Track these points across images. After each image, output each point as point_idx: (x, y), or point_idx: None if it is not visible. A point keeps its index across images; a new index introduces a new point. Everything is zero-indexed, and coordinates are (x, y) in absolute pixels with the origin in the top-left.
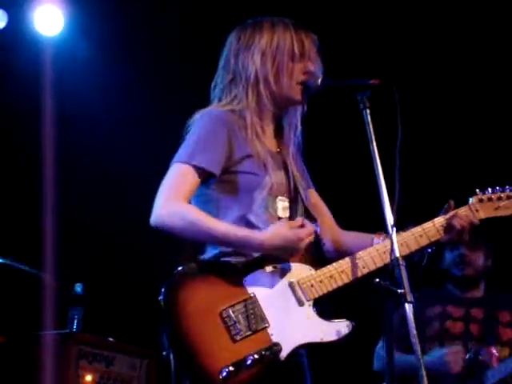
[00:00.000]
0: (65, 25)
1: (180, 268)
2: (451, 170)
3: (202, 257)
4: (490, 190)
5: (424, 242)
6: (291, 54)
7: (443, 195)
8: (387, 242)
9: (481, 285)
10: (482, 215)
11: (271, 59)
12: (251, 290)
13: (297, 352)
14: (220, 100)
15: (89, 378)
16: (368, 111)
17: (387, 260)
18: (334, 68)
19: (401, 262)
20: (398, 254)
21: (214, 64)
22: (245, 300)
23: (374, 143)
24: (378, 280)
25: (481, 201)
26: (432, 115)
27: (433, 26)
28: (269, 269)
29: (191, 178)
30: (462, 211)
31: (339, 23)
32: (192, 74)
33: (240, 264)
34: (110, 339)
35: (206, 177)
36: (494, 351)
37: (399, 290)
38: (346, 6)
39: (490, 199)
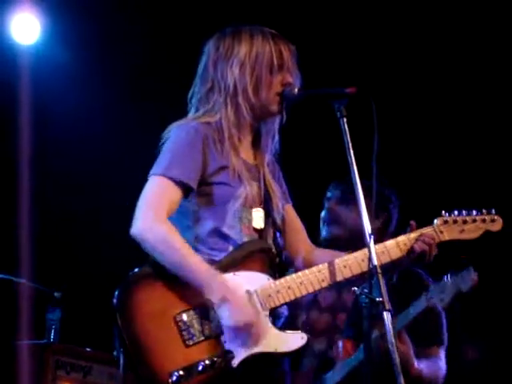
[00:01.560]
0: (41, 33)
1: (135, 270)
2: (425, 181)
3: None
4: (456, 212)
5: (385, 259)
6: (270, 65)
7: (415, 209)
8: (347, 256)
9: None
10: (446, 237)
11: (250, 71)
12: (207, 296)
13: (254, 362)
14: (197, 110)
15: None
16: (345, 120)
17: (348, 275)
18: (311, 77)
19: (379, 270)
20: (375, 263)
21: (190, 72)
22: (200, 305)
23: (352, 152)
24: (356, 289)
25: (446, 222)
26: (408, 124)
27: (409, 34)
28: (228, 276)
29: (171, 191)
30: (427, 232)
31: (317, 32)
32: (168, 82)
33: None
34: (88, 349)
35: (184, 190)
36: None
37: (378, 299)
38: (324, 15)
39: (455, 221)
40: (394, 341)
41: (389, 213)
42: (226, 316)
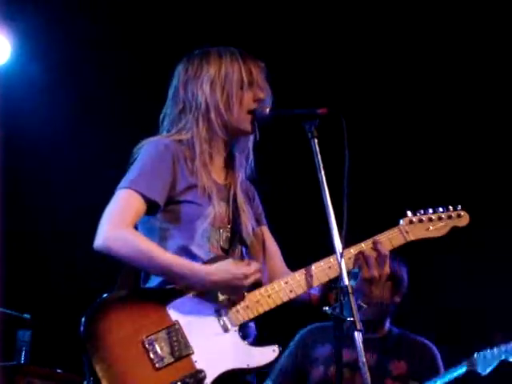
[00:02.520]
0: (12, 53)
1: (101, 297)
2: (394, 194)
3: (144, 286)
4: (421, 211)
5: (333, 274)
6: (240, 82)
7: (381, 210)
8: (314, 266)
9: (383, 325)
10: (412, 237)
11: (220, 88)
12: (175, 316)
13: (232, 377)
14: (169, 131)
15: None
16: (316, 140)
17: (315, 283)
18: (282, 96)
19: (350, 290)
20: (346, 282)
21: (161, 91)
22: (168, 327)
23: (323, 172)
24: (327, 308)
25: (411, 222)
26: (376, 140)
27: (379, 51)
28: (194, 294)
29: (136, 204)
30: (381, 238)
31: (286, 51)
32: (139, 95)
33: (165, 290)
34: (58, 371)
35: (150, 205)
36: None
37: (349, 318)
38: (291, 33)
39: (420, 221)
40: (364, 360)
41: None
42: (215, 281)
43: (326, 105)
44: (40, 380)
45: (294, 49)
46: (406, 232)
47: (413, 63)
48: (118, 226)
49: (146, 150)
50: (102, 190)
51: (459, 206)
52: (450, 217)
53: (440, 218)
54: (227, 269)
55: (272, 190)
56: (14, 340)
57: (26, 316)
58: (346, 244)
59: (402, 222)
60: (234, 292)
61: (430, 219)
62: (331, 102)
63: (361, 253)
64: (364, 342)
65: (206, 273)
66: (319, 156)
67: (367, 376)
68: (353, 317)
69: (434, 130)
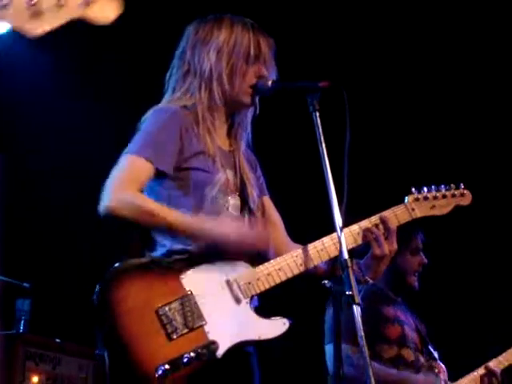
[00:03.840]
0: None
1: (114, 266)
2: (397, 171)
3: (150, 254)
4: (425, 188)
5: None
6: (246, 55)
7: (384, 188)
8: (325, 239)
9: None
10: (419, 214)
11: (227, 58)
12: (188, 287)
13: (239, 349)
14: (174, 90)
15: (35, 379)
16: (317, 114)
17: (325, 258)
18: (286, 70)
19: (349, 263)
20: (346, 256)
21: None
22: (181, 297)
23: (324, 145)
24: (326, 282)
25: (417, 200)
26: (379, 116)
27: (383, 28)
28: (207, 266)
29: (143, 169)
30: (388, 214)
31: (291, 25)
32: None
33: (178, 261)
34: (57, 340)
35: (156, 173)
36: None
37: (348, 292)
38: (297, 8)
39: (425, 198)
40: (362, 334)
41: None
42: (228, 236)
43: (328, 78)
44: (38, 349)
45: (299, 23)
46: (412, 209)
47: (419, 39)
48: (125, 189)
49: (154, 117)
50: (101, 160)
51: (462, 185)
52: (453, 195)
53: (444, 196)
54: (242, 228)
55: (273, 163)
56: (13, 309)
57: (26, 285)
58: (350, 220)
59: (407, 199)
60: (245, 253)
61: (435, 197)
62: (335, 76)
63: (369, 230)
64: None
65: (218, 231)
66: (320, 129)
67: (365, 349)
68: (351, 291)
69: (438, 106)
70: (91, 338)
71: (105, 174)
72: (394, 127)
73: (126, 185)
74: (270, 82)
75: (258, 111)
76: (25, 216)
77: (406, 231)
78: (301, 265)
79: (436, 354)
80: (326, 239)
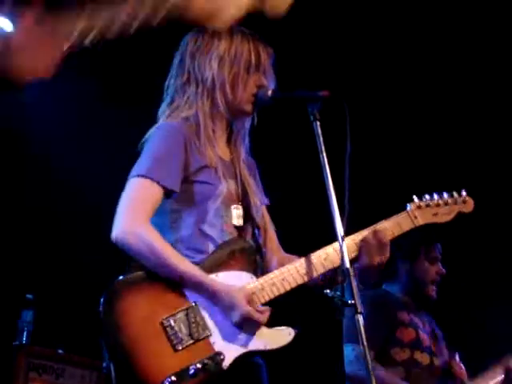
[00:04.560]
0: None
1: (119, 278)
2: (398, 178)
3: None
4: (427, 196)
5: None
6: (247, 64)
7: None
8: (328, 249)
9: None
10: (421, 221)
11: (229, 67)
12: (192, 298)
13: (246, 360)
14: (173, 100)
15: None
16: (318, 123)
17: (329, 266)
18: (287, 79)
19: (351, 272)
20: (348, 265)
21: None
22: (186, 309)
23: (324, 154)
24: (328, 291)
25: (419, 207)
26: (379, 124)
27: (382, 35)
28: (211, 277)
29: (154, 193)
30: (390, 222)
31: (292, 34)
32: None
33: None
34: (60, 351)
35: (166, 191)
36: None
37: (350, 301)
38: (297, 17)
39: (428, 205)
40: (365, 343)
41: None
42: (233, 312)
43: (328, 88)
44: (41, 360)
45: (301, 33)
46: (415, 217)
47: (420, 46)
48: (138, 219)
49: (157, 136)
50: (105, 172)
51: (464, 192)
52: (455, 202)
53: (446, 203)
54: (238, 301)
55: (274, 174)
56: (17, 320)
57: (29, 296)
58: (350, 229)
59: (409, 206)
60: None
61: (437, 204)
62: (335, 86)
63: (363, 240)
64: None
65: (218, 289)
66: (321, 139)
67: (368, 356)
68: (354, 299)
69: (438, 113)
70: (94, 348)
71: (111, 185)
72: (395, 134)
73: (139, 214)
74: (269, 92)
75: (255, 121)
76: (28, 227)
77: (425, 240)
78: (304, 274)
79: (457, 356)
80: (328, 248)
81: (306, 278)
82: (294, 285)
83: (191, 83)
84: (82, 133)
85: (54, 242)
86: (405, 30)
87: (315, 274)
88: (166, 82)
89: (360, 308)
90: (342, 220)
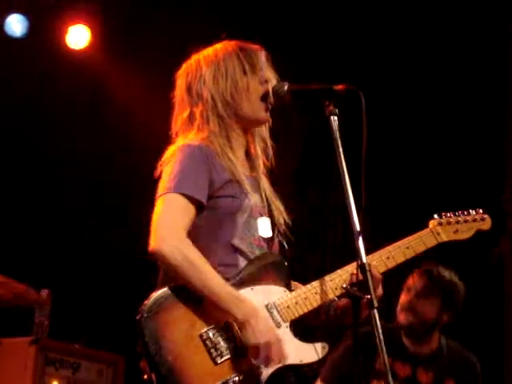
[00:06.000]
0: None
1: (160, 292)
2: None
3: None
4: (448, 214)
5: (382, 268)
6: (242, 67)
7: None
8: (355, 264)
9: (432, 339)
10: (444, 238)
11: (223, 78)
12: (231, 317)
13: (280, 374)
14: (185, 135)
15: None
16: (335, 117)
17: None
18: (302, 73)
19: (367, 267)
20: (365, 260)
21: None
22: (223, 322)
23: (341, 149)
24: (345, 286)
25: (440, 224)
26: (399, 121)
27: (406, 29)
28: (246, 291)
29: (189, 208)
30: (416, 237)
31: (308, 28)
32: None
33: None
34: (77, 345)
35: (197, 206)
36: None
37: (366, 296)
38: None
39: (449, 223)
40: (382, 338)
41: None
42: (249, 336)
43: (346, 81)
44: (58, 355)
45: (319, 26)
46: (438, 233)
47: (441, 48)
48: (178, 236)
49: (180, 154)
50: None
51: (481, 210)
52: (474, 219)
53: (466, 221)
54: (267, 333)
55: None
56: (33, 314)
57: (45, 290)
58: (370, 247)
59: (432, 223)
60: (255, 351)
61: (457, 221)
62: (358, 81)
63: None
64: (417, 356)
65: (242, 319)
66: (337, 133)
67: (386, 360)
68: (370, 295)
69: (459, 124)
70: (110, 343)
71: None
72: (416, 150)
73: (176, 228)
74: (286, 86)
75: (270, 124)
76: (44, 221)
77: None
78: (336, 288)
79: None
80: (355, 263)
81: (337, 292)
82: (325, 299)
83: (195, 114)
84: None
85: (69, 235)
86: (429, 17)
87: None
88: (173, 123)
89: (376, 303)
90: (359, 216)
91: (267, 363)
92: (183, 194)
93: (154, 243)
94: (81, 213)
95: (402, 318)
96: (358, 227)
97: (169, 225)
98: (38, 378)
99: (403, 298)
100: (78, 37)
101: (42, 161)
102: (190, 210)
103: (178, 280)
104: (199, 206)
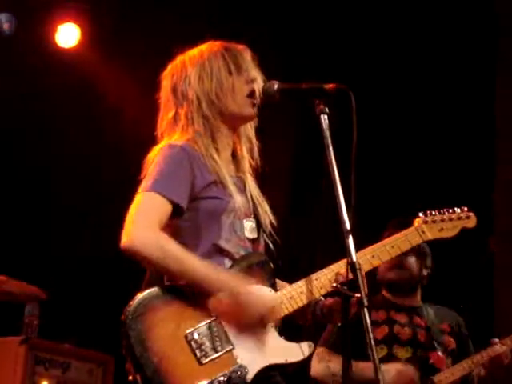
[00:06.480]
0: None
1: (145, 293)
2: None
3: (173, 283)
4: (432, 212)
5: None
6: (227, 67)
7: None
8: (341, 263)
9: (417, 294)
10: (430, 236)
11: (208, 78)
12: (223, 295)
13: (266, 373)
14: (170, 136)
15: None
16: (325, 116)
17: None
18: (290, 73)
19: (357, 266)
20: (355, 258)
21: None
22: (209, 322)
23: (331, 148)
24: (335, 285)
25: (425, 222)
26: (388, 119)
27: (391, 30)
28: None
29: (161, 205)
30: (401, 236)
31: (300, 26)
32: None
33: None
34: (67, 345)
35: (174, 207)
36: (441, 355)
37: (356, 295)
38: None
39: (434, 221)
40: (371, 336)
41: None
42: (244, 304)
43: (336, 81)
44: (48, 354)
45: (308, 26)
46: (423, 232)
47: (430, 44)
48: (148, 228)
49: (163, 155)
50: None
51: (466, 208)
52: (459, 218)
53: (451, 219)
54: (261, 299)
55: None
56: (22, 313)
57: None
58: (358, 243)
59: (417, 222)
60: (252, 322)
61: (442, 219)
62: (348, 80)
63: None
64: (407, 306)
65: (242, 291)
66: (328, 133)
67: (375, 353)
68: (360, 293)
69: (447, 120)
70: (100, 343)
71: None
72: (404, 144)
73: (149, 223)
74: (276, 85)
75: (256, 122)
76: (33, 221)
77: None
78: (321, 288)
79: (440, 348)
80: (341, 262)
81: (322, 292)
82: (310, 298)
83: (180, 115)
84: None
85: (60, 234)
86: (421, 13)
87: (331, 288)
88: (158, 129)
89: (366, 302)
90: (349, 215)
91: (256, 358)
92: (159, 193)
93: (124, 239)
94: (71, 212)
95: (392, 275)
96: (347, 225)
97: (141, 221)
98: (27, 378)
99: None
100: (68, 35)
101: (31, 160)
102: (165, 209)
103: (164, 280)
104: (176, 208)
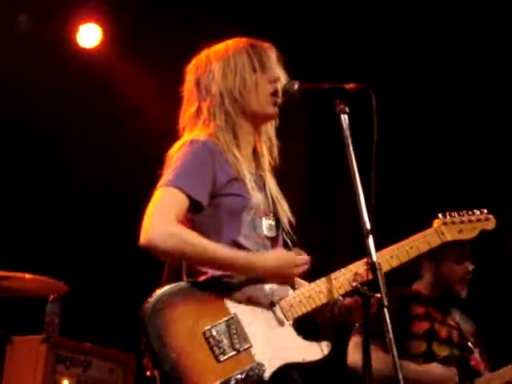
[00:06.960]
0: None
1: (164, 289)
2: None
3: (191, 280)
4: (452, 213)
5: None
6: (251, 65)
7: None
8: (359, 263)
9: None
10: (449, 237)
11: (232, 74)
12: (233, 309)
13: (283, 371)
14: (192, 130)
15: (66, 382)
16: (346, 116)
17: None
18: (312, 72)
19: (378, 266)
20: (375, 259)
21: None
22: (227, 320)
23: (351, 148)
24: (355, 284)
25: (445, 224)
26: (408, 120)
27: (409, 30)
28: (250, 289)
29: (180, 201)
30: (420, 237)
31: (319, 26)
32: None
33: (221, 283)
34: (87, 343)
35: (193, 203)
36: (478, 358)
37: (376, 295)
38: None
39: (453, 222)
40: (391, 337)
41: None
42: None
43: (358, 81)
44: (69, 352)
45: (330, 25)
46: (442, 233)
47: (454, 45)
48: (166, 222)
49: (184, 150)
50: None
51: (485, 210)
52: (479, 219)
53: (470, 221)
54: (278, 256)
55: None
56: (44, 312)
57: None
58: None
59: (436, 223)
60: (284, 279)
61: (462, 221)
62: (368, 80)
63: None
64: (442, 307)
65: (258, 260)
66: (348, 132)
67: (396, 357)
68: (380, 293)
69: (472, 122)
70: (121, 341)
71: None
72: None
73: (167, 217)
74: (296, 84)
75: (277, 123)
76: (53, 219)
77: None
78: (340, 287)
79: (476, 351)
80: (359, 262)
81: (341, 291)
82: (329, 297)
83: (203, 109)
84: None
85: (79, 234)
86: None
87: (350, 287)
88: (180, 123)
89: (386, 302)
90: (369, 215)
91: (274, 356)
92: (178, 188)
93: (143, 236)
94: (92, 211)
95: (464, 292)
96: (368, 226)
97: (159, 217)
98: (48, 376)
99: (460, 269)
100: (90, 35)
101: (52, 159)
102: (184, 204)
103: (183, 276)
104: (195, 204)
